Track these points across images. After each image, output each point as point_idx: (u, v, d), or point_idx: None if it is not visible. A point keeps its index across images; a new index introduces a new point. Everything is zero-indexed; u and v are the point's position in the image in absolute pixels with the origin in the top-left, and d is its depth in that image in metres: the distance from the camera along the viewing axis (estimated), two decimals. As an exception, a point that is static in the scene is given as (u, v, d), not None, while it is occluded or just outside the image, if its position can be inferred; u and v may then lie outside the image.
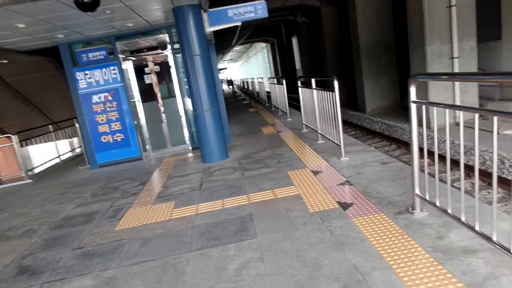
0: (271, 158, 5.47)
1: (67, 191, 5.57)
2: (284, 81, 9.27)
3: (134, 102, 7.12)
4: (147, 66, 7.00)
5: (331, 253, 2.48)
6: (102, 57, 6.44)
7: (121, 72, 6.56)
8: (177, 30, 5.35)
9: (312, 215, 3.17)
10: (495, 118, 1.81)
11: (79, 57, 6.49)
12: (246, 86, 30.02)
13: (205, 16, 5.24)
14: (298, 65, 24.23)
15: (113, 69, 6.49)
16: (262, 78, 16.94)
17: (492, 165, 1.94)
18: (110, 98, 6.60)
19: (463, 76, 2.21)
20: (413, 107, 2.54)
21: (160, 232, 3.40)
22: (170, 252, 2.94)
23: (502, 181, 5.46)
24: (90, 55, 6.42)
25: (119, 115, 6.73)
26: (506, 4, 8.64)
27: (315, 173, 4.32)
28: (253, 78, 21.62)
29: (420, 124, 2.59)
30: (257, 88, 18.17)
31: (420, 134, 2.63)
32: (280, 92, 9.98)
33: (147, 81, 7.04)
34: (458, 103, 9.42)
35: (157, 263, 2.79)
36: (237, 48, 35.14)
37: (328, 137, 5.34)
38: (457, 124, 2.02)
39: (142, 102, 7.20)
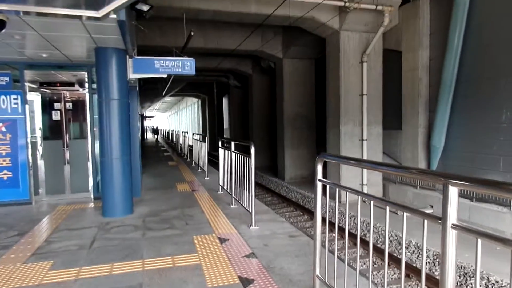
0: (179, 218, 5.10)
1: None
2: (206, 139, 9.20)
3: (35, 138, 6.32)
4: (58, 101, 6.38)
5: None
6: (4, 83, 5.71)
7: (24, 103, 5.86)
8: (96, 71, 5.03)
9: (209, 290, 2.87)
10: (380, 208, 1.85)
11: (-28, 78, 5.69)
12: (171, 138, 29.45)
13: (130, 62, 5.06)
14: (226, 124, 24.74)
15: (15, 98, 5.77)
16: (186, 132, 16.75)
17: (384, 248, 1.94)
18: (3, 129, 5.76)
19: (359, 163, 2.30)
20: (319, 185, 2.55)
21: (21, 301, 2.76)
22: (25, 331, 2.35)
23: (398, 262, 5.76)
24: (-11, 79, 5.67)
25: (11, 150, 5.86)
26: (405, 101, 10.05)
27: (222, 240, 4.07)
28: (178, 131, 21.34)
29: (333, 198, 2.59)
30: (180, 141, 17.86)
31: (330, 208, 2.63)
32: (201, 150, 9.85)
33: (55, 117, 6.37)
34: (365, 180, 10.24)
35: None
36: (168, 98, 35.00)
37: (241, 202, 5.21)
38: (364, 201, 2.06)
39: (45, 139, 6.42)
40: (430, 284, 4.89)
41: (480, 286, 4.90)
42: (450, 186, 1.40)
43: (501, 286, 4.84)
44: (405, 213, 1.76)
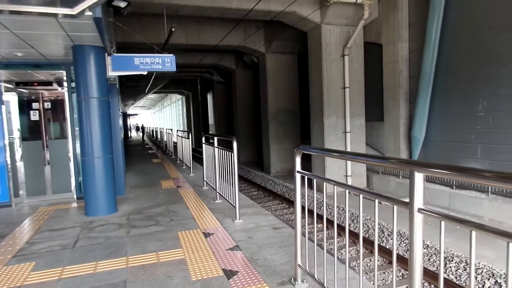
0: (164, 215, 5.11)
1: None
2: (190, 135, 9.18)
3: (13, 139, 6.20)
4: (36, 101, 6.26)
5: (204, 331, 2.23)
6: (-22, 84, 5.59)
7: (0, 104, 5.72)
8: (74, 69, 4.95)
9: (194, 283, 2.91)
10: (361, 196, 1.92)
11: None
12: (155, 135, 29.18)
13: (108, 59, 5.00)
14: (211, 120, 24.68)
15: (-10, 100, 5.64)
16: (171, 129, 16.63)
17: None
18: (-21, 131, 5.64)
19: (339, 154, 2.36)
20: (298, 177, 2.60)
21: (2, 303, 2.74)
22: (7, 332, 2.34)
23: (380, 249, 5.91)
24: (-38, 80, 5.52)
25: (-12, 153, 5.73)
26: (387, 93, 10.22)
27: (206, 235, 4.10)
28: (162, 128, 21.17)
29: (318, 189, 2.65)
30: (165, 138, 17.74)
31: (316, 200, 2.69)
32: (185, 146, 9.82)
33: (33, 117, 6.26)
34: (349, 172, 10.40)
35: None
36: (151, 96, 34.62)
37: (225, 197, 5.25)
38: (349, 193, 2.12)
39: (23, 140, 6.31)
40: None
41: (459, 268, 5.07)
42: (415, 173, 1.46)
43: (478, 268, 5.03)
44: (376, 200, 1.82)
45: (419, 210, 1.47)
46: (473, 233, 1.23)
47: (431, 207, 1.47)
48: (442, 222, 1.38)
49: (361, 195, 1.94)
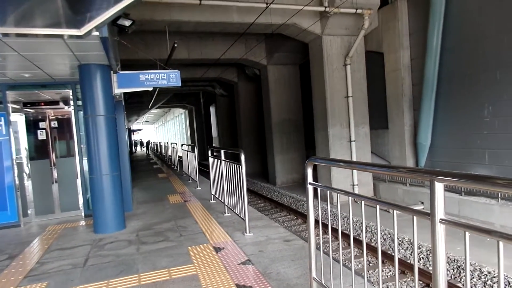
0: (173, 230, 5.07)
1: None
2: (196, 149, 9.20)
3: (20, 158, 6.23)
4: (42, 120, 6.31)
5: None
6: (-14, 105, 5.65)
7: (8, 124, 5.78)
8: (81, 88, 5.00)
9: (208, 300, 2.87)
10: (362, 202, 1.89)
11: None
12: (159, 150, 29.25)
13: (114, 77, 5.05)
14: (215, 133, 24.74)
15: (-2, 120, 5.69)
16: (175, 143, 16.67)
17: (377, 246, 1.98)
18: (-12, 152, 5.67)
19: (348, 164, 2.34)
20: (310, 189, 2.58)
21: (16, 326, 2.70)
22: None
23: (392, 259, 5.82)
24: (-29, 101, 5.58)
25: (-3, 173, 5.75)
26: (390, 101, 10.22)
27: (217, 249, 4.06)
28: (167, 142, 21.24)
29: (324, 200, 2.62)
30: (169, 153, 17.77)
31: (323, 210, 2.65)
32: (191, 160, 9.82)
33: (41, 137, 6.29)
34: (356, 181, 10.34)
35: None
36: (154, 111, 34.84)
37: (234, 210, 5.21)
38: (356, 202, 2.11)
39: (31, 159, 6.33)
40: (424, 279, 4.95)
41: (473, 277, 4.98)
42: (436, 183, 1.45)
43: (494, 277, 4.93)
44: (395, 211, 1.80)
45: (441, 221, 1.45)
46: (501, 243, 1.21)
47: (454, 218, 1.44)
48: (467, 233, 1.36)
49: (377, 206, 1.92)
